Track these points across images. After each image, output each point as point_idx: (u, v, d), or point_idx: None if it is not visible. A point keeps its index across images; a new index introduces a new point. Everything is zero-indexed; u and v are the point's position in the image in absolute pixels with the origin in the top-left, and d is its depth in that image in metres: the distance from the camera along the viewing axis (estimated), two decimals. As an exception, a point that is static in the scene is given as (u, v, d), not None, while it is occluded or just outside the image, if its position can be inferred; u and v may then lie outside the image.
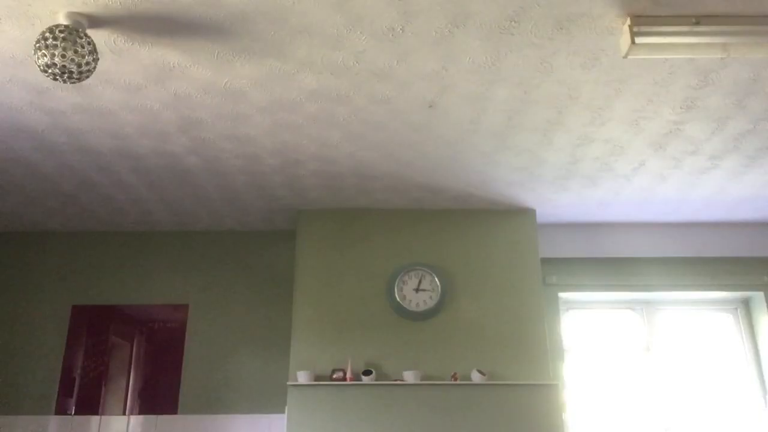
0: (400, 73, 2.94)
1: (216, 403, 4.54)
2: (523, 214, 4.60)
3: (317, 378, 4.14)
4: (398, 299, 4.30)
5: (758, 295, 4.90)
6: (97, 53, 2.50)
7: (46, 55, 2.38)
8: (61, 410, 4.51)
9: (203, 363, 4.66)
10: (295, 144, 3.63)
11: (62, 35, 2.39)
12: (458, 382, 4.09)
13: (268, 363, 4.64)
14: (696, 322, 5.00)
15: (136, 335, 4.76)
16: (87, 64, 2.45)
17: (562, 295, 4.89)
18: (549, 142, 3.63)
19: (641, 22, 2.53)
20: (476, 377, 4.08)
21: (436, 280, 4.35)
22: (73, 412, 4.52)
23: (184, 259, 4.94)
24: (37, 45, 2.40)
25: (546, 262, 4.83)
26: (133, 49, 2.75)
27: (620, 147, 3.69)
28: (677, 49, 2.59)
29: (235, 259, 4.96)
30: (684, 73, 2.97)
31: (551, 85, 3.06)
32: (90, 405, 4.55)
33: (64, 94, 3.10)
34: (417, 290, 4.34)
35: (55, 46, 2.37)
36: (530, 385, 4.12)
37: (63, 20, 2.48)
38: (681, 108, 3.27)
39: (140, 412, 4.52)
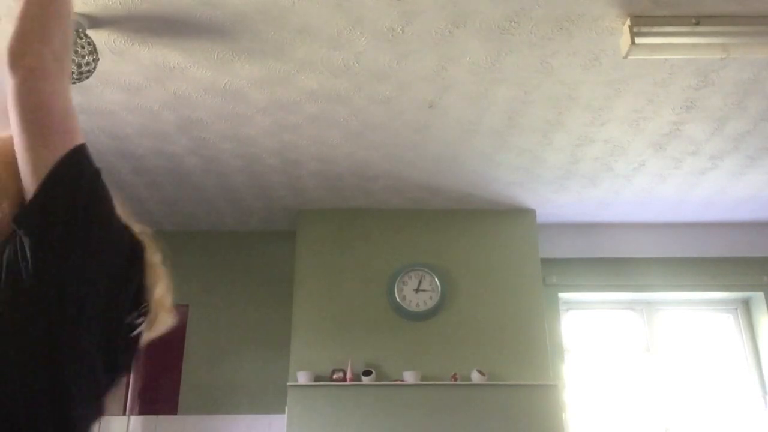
0: (400, 73, 2.94)
1: (216, 403, 4.54)
2: (523, 214, 4.60)
3: (317, 378, 4.14)
4: (398, 299, 4.30)
5: (758, 296, 4.89)
6: (97, 53, 2.50)
7: (46, 55, 2.38)
8: (61, 410, 4.51)
9: (203, 363, 4.65)
10: (295, 144, 3.63)
11: (62, 35, 2.39)
12: (458, 382, 4.08)
13: (268, 363, 4.64)
14: (696, 323, 5.00)
15: (136, 335, 4.75)
16: (87, 64, 2.45)
17: (562, 295, 4.89)
18: (549, 142, 3.63)
19: (641, 22, 2.53)
20: (476, 377, 4.08)
21: (436, 280, 4.35)
22: (73, 412, 4.51)
23: (184, 259, 4.93)
24: (37, 45, 2.40)
25: (546, 262, 4.82)
26: (133, 49, 2.75)
27: (620, 147, 3.69)
28: (677, 49, 2.59)
29: (235, 259, 4.95)
30: (684, 73, 2.96)
31: (551, 85, 3.06)
32: (90, 405, 4.54)
33: (64, 94, 3.10)
34: (417, 290, 4.34)
35: (55, 46, 2.37)
36: (530, 385, 4.12)
37: (63, 20, 2.48)
38: (681, 108, 3.27)
39: (140, 412, 4.52)
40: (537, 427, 4.02)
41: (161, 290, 1.16)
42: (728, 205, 4.53)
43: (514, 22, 2.60)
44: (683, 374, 4.79)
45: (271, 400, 4.53)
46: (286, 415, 4.09)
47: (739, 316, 5.01)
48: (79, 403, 0.93)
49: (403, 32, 2.66)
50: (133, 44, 2.72)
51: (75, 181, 0.96)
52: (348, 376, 4.08)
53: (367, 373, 4.07)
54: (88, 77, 2.51)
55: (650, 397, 4.72)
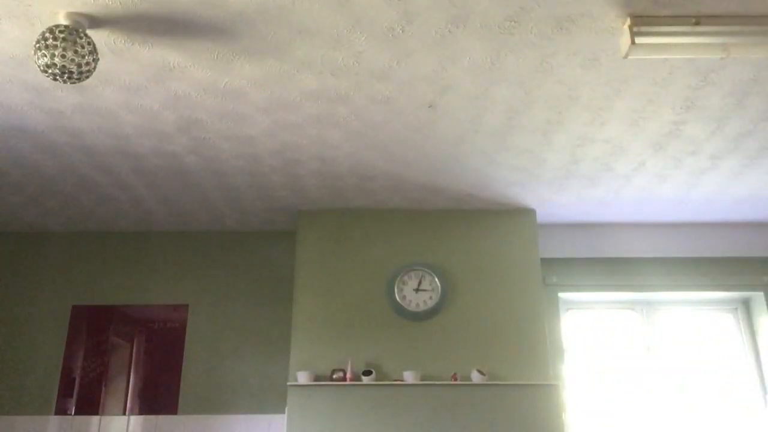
0: (400, 73, 2.94)
1: (216, 403, 4.54)
2: (523, 214, 4.60)
3: (317, 378, 4.14)
4: (398, 299, 4.30)
5: (758, 295, 4.89)
6: (97, 53, 2.50)
7: (46, 56, 2.38)
8: (61, 410, 4.51)
9: (203, 363, 4.66)
10: (295, 144, 3.63)
11: (62, 35, 2.39)
12: (458, 382, 4.09)
13: (268, 363, 4.64)
14: (696, 323, 5.00)
15: (135, 335, 4.76)
16: (87, 64, 2.45)
17: (562, 295, 4.89)
18: (549, 143, 3.63)
19: (641, 22, 2.53)
20: (476, 377, 4.08)
21: (436, 280, 4.35)
22: (73, 413, 4.52)
23: (184, 259, 4.94)
24: (37, 45, 2.40)
25: (546, 262, 4.83)
26: (133, 49, 2.75)
27: (620, 147, 3.69)
28: (677, 49, 2.59)
29: (235, 259, 4.96)
30: (684, 73, 2.97)
31: (551, 85, 3.06)
32: (90, 405, 4.55)
33: (64, 94, 3.11)
34: (417, 290, 4.34)
35: (55, 47, 2.37)
36: (530, 385, 4.12)
37: (63, 20, 2.48)
38: (681, 108, 3.27)
39: (140, 412, 4.53)
40: (537, 427, 4.03)
41: None
42: (728, 205, 4.53)
43: (514, 22, 2.60)
44: (683, 374, 4.79)
45: (271, 400, 4.54)
46: (286, 415, 4.09)
47: (739, 315, 5.01)
48: None
49: (403, 32, 2.66)
50: (133, 44, 2.72)
51: None
52: (348, 376, 4.08)
53: (367, 373, 4.07)
54: (88, 77, 2.51)
55: (650, 397, 4.72)
